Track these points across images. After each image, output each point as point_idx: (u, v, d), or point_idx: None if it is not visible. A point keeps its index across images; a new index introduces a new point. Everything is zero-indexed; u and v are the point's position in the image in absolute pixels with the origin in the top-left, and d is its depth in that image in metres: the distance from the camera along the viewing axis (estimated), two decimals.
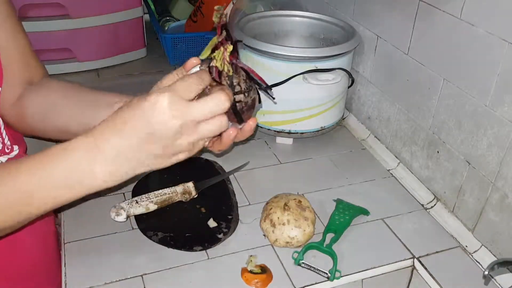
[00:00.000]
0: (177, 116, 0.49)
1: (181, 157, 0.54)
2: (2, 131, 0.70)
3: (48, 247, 0.83)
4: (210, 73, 0.54)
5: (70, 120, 0.68)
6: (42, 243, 0.81)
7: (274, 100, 0.79)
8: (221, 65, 0.54)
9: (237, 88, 0.55)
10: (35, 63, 0.74)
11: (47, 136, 0.74)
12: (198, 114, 0.50)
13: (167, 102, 0.48)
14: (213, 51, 0.54)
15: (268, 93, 0.59)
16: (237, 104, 0.55)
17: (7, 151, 0.70)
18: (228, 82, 0.55)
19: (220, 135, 0.57)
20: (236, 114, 0.55)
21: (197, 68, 0.57)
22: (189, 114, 0.49)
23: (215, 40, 0.53)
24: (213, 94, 0.51)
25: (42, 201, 0.53)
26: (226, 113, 0.53)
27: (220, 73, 0.54)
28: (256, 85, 0.57)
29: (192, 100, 0.51)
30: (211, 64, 0.54)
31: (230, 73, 0.54)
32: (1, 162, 0.68)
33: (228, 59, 0.54)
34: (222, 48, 0.53)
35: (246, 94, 0.56)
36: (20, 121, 0.72)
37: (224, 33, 0.53)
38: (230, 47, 0.53)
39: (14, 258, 0.74)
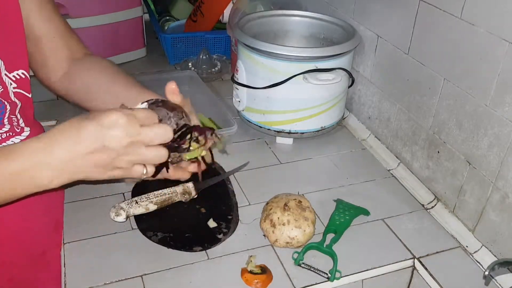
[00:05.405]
0: (130, 134, 0.55)
1: (116, 173, 0.58)
2: (16, 113, 0.74)
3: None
4: (184, 131, 0.61)
5: (107, 101, 0.73)
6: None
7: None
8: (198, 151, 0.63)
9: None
10: (74, 41, 0.81)
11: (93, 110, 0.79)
12: (146, 138, 0.57)
13: (125, 121, 0.55)
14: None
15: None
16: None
17: (17, 130, 0.74)
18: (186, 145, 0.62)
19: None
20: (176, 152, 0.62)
21: (145, 106, 0.62)
22: (139, 136, 0.56)
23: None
24: (161, 124, 0.59)
25: None
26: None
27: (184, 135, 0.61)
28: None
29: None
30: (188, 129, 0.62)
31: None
32: (13, 142, 0.73)
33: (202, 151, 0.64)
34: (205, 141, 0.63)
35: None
36: (68, 94, 0.79)
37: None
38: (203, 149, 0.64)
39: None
